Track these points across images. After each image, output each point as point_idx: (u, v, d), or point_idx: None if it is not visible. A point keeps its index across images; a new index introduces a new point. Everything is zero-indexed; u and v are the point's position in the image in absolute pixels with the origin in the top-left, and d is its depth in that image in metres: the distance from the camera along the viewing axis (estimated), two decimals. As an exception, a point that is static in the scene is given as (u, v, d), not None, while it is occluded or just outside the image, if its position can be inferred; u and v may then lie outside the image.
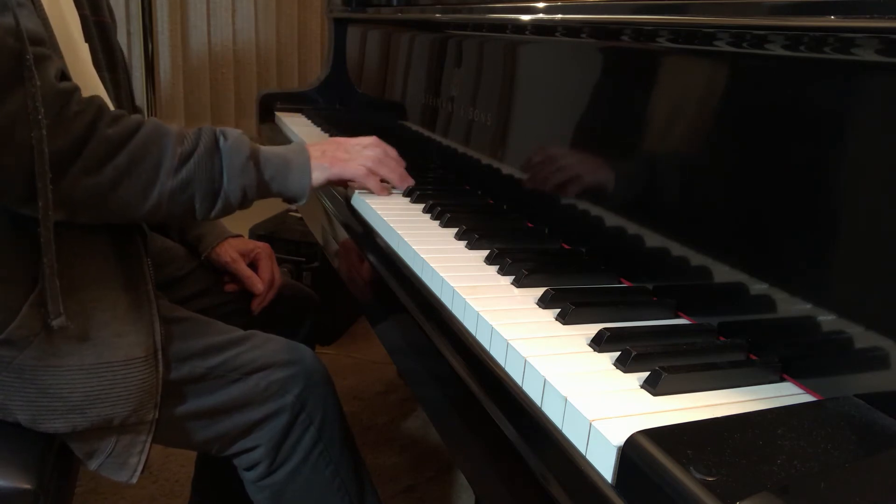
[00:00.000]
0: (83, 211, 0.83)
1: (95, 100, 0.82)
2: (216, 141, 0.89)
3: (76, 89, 0.80)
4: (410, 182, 1.09)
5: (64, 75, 0.80)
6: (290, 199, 0.99)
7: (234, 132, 0.92)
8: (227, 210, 0.92)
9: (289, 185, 0.96)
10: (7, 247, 0.83)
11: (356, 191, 1.07)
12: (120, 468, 0.89)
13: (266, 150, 0.96)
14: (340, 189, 1.15)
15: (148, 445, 0.89)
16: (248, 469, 0.98)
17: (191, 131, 0.89)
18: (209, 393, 0.93)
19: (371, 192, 1.06)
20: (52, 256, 0.78)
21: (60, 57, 0.82)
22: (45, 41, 0.79)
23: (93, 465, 0.89)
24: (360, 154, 1.04)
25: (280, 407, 0.95)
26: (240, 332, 0.99)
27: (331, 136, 1.56)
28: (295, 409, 0.96)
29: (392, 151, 1.09)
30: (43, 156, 0.74)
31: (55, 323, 0.79)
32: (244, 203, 0.93)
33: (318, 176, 0.98)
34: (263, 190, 0.95)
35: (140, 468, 0.89)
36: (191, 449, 1.12)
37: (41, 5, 0.80)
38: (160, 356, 0.89)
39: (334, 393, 1.01)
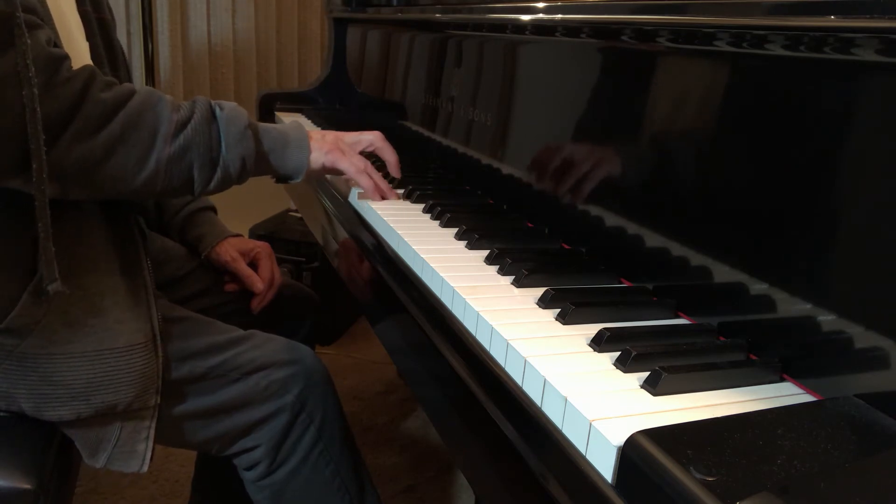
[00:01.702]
0: (76, 183, 0.80)
1: (87, 67, 0.80)
2: (212, 110, 0.88)
3: (67, 57, 0.78)
4: (398, 174, 1.10)
5: (56, 45, 0.79)
6: (285, 177, 0.98)
7: (230, 104, 0.91)
8: (226, 182, 0.90)
9: (287, 159, 0.96)
10: (5, 235, 0.82)
11: (356, 190, 1.07)
12: (129, 458, 0.88)
13: (264, 124, 0.96)
14: (340, 189, 1.15)
15: (153, 431, 0.89)
16: (248, 469, 0.98)
17: (185, 102, 0.88)
18: (209, 392, 0.93)
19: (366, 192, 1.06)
20: (47, 221, 0.75)
21: (56, 36, 0.81)
22: (38, 12, 0.77)
23: (101, 460, 0.88)
24: (359, 145, 1.06)
25: (280, 406, 0.95)
26: (240, 332, 0.99)
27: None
28: (295, 409, 0.96)
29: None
30: (35, 115, 0.72)
31: (51, 288, 0.76)
32: (243, 175, 0.91)
33: (315, 159, 0.98)
34: (262, 162, 0.94)
35: (149, 455, 0.89)
36: (191, 448, 1.12)
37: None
38: (159, 340, 0.89)
39: (334, 393, 1.01)
